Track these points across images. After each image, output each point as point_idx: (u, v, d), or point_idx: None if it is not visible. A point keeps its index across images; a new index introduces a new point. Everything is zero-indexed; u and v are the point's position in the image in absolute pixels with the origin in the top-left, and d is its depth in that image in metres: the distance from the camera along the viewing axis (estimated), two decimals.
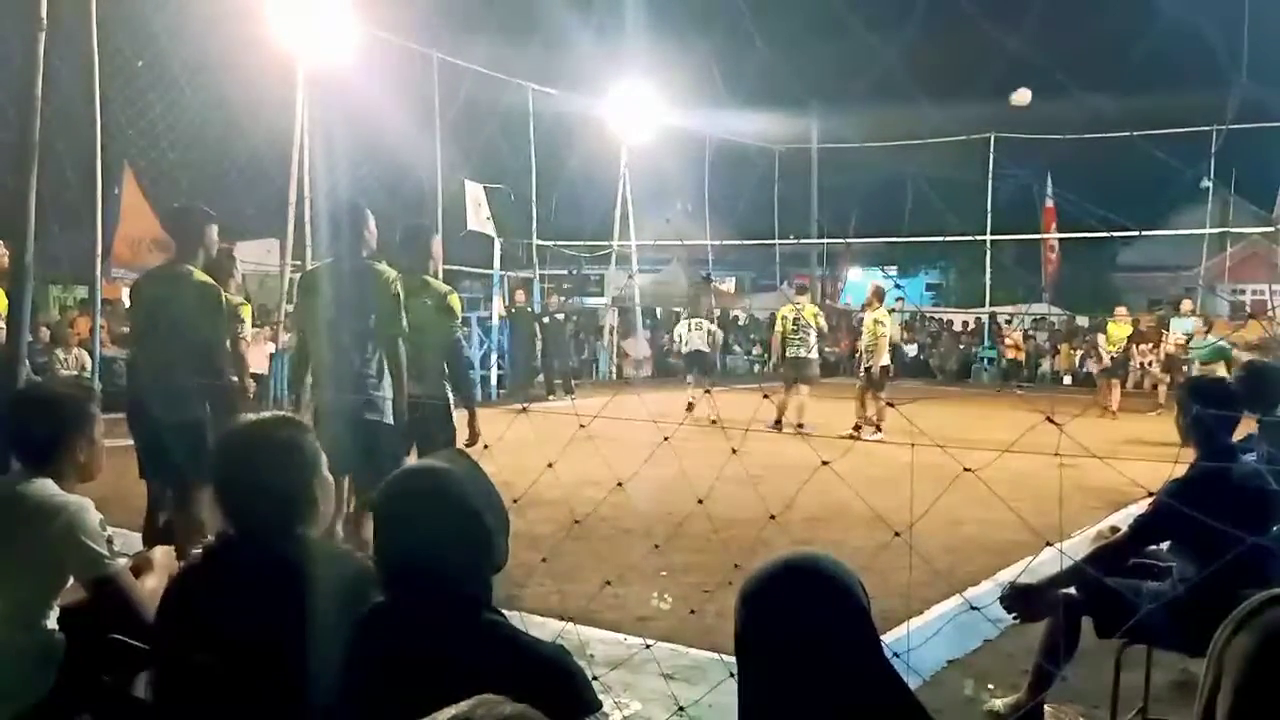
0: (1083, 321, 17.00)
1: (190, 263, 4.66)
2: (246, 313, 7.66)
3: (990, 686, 3.93)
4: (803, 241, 26.27)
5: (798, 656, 1.45)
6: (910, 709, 1.48)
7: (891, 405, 3.77)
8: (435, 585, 1.63)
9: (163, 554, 2.73)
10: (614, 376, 19.69)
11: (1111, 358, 14.75)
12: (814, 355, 12.03)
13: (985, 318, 22.20)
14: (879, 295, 11.77)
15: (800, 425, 11.17)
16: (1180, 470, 3.24)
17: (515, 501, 1.83)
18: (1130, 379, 15.17)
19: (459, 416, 5.18)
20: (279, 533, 1.93)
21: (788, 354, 11.82)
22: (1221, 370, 11.76)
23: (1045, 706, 3.54)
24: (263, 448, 1.98)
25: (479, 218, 15.53)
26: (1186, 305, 15.11)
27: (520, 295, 17.27)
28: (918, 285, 30.41)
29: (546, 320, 16.68)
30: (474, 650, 1.57)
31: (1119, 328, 14.87)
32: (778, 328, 12.08)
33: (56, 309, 15.55)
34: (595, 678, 1.71)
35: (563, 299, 20.04)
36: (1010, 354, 19.15)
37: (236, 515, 1.96)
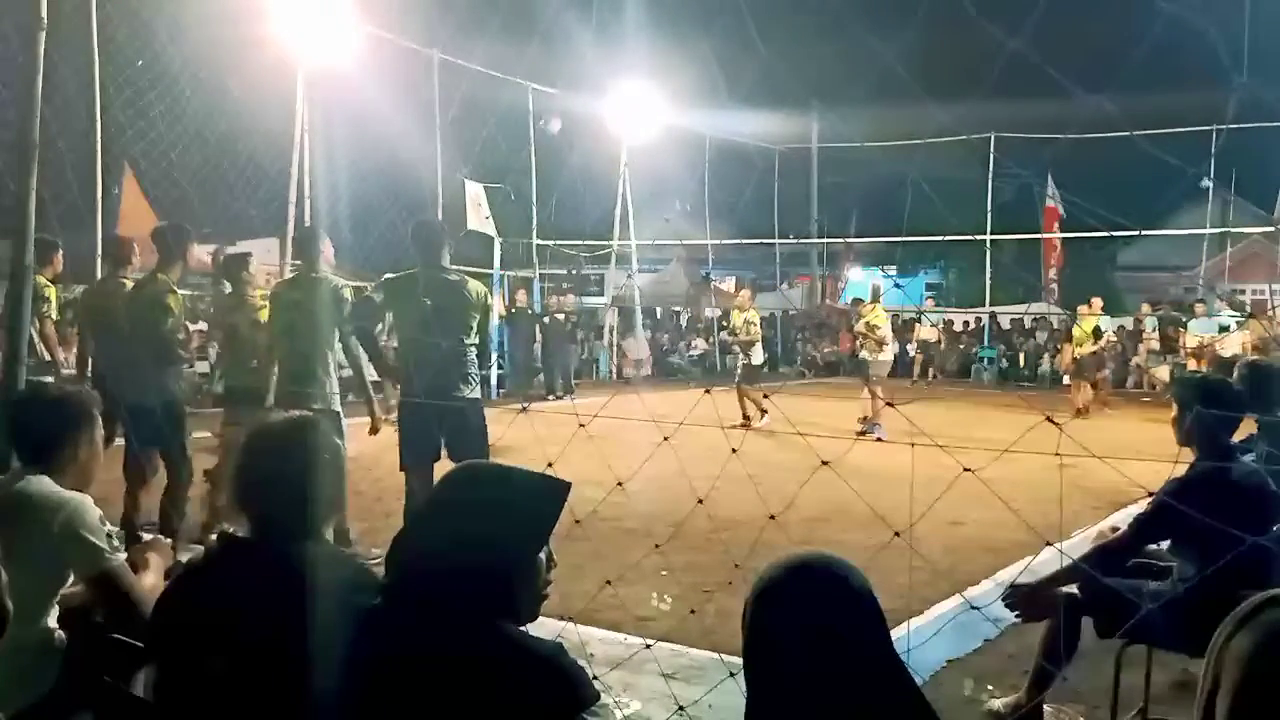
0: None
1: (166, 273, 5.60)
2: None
3: (990, 687, 3.93)
4: (803, 241, 26.26)
5: (814, 657, 1.44)
6: (923, 712, 1.48)
7: (891, 405, 3.79)
8: (453, 585, 1.61)
9: (159, 552, 2.74)
10: (614, 376, 19.68)
11: (1075, 359, 14.69)
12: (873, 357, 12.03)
13: (985, 317, 22.19)
14: (749, 297, 12.81)
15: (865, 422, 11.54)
16: (1180, 470, 3.24)
17: None
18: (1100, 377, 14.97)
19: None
20: (294, 536, 1.93)
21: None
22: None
23: (1045, 706, 3.55)
24: (291, 450, 1.98)
25: (479, 217, 15.53)
26: (1097, 303, 15.32)
27: (520, 295, 17.27)
28: (918, 285, 30.37)
29: (547, 320, 16.69)
30: (475, 649, 1.57)
31: (1083, 325, 14.80)
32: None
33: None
34: (595, 677, 1.70)
35: (564, 298, 20.04)
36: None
37: (257, 516, 1.96)
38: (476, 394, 5.18)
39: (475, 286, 5.28)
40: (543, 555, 1.72)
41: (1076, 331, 14.72)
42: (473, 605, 1.59)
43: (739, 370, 12.34)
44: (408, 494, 5.10)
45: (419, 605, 1.60)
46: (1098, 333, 14.59)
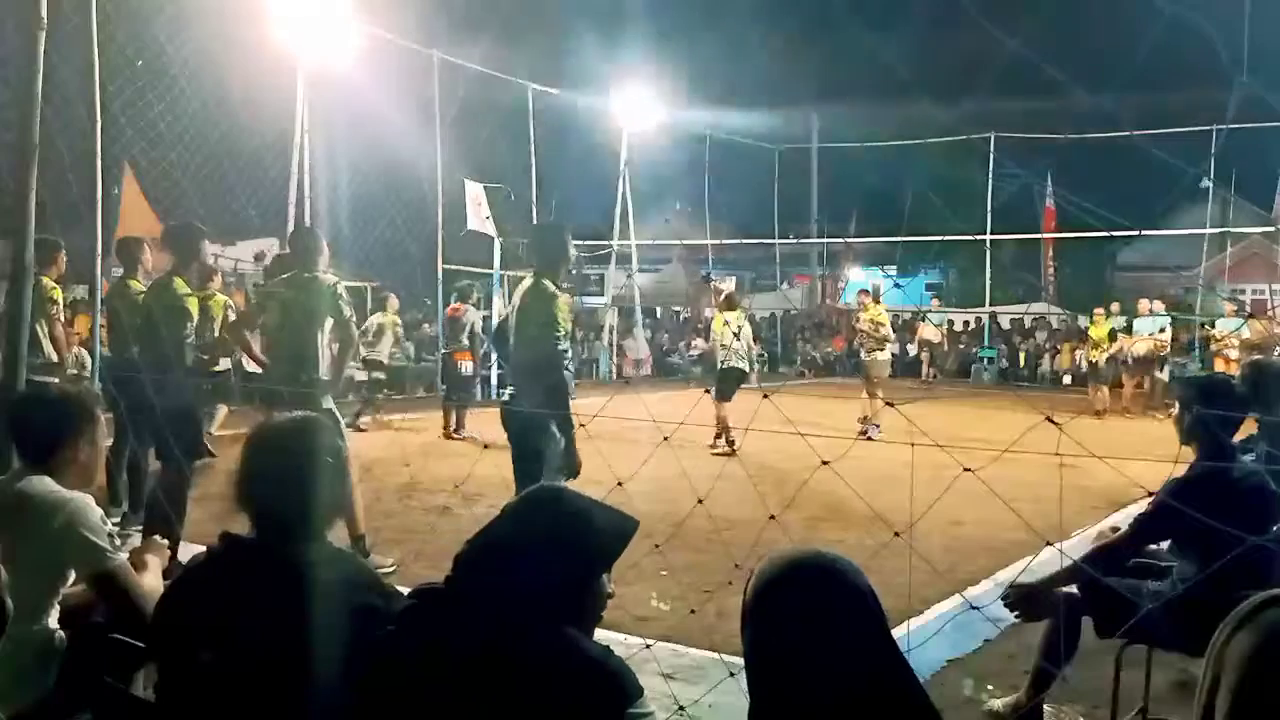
0: (1083, 322, 16.91)
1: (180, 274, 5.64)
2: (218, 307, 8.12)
3: (990, 687, 3.93)
4: (803, 241, 26.31)
5: (815, 655, 1.44)
6: (925, 711, 1.48)
7: (891, 405, 3.78)
8: (523, 590, 1.63)
9: (156, 553, 2.74)
10: (614, 376, 19.69)
11: (1091, 363, 14.67)
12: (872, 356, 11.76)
13: (985, 317, 22.19)
14: (729, 303, 11.14)
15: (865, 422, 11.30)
16: (1180, 470, 3.24)
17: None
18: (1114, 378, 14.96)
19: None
20: (295, 536, 1.93)
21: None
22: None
23: (1045, 706, 3.55)
24: (292, 451, 1.98)
25: (479, 217, 15.52)
26: (1115, 308, 15.37)
27: None
28: (918, 285, 30.39)
29: None
30: (532, 648, 1.59)
31: (1099, 328, 14.81)
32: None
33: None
34: None
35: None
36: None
37: (258, 516, 1.95)
38: (551, 400, 4.81)
39: (548, 294, 5.00)
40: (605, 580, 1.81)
41: (1093, 332, 14.75)
42: (538, 613, 1.62)
43: (716, 380, 10.33)
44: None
45: (486, 603, 1.63)
46: (1113, 336, 14.59)
